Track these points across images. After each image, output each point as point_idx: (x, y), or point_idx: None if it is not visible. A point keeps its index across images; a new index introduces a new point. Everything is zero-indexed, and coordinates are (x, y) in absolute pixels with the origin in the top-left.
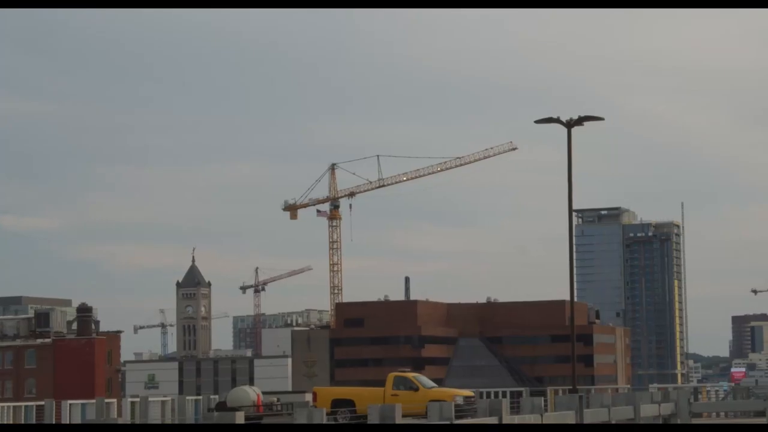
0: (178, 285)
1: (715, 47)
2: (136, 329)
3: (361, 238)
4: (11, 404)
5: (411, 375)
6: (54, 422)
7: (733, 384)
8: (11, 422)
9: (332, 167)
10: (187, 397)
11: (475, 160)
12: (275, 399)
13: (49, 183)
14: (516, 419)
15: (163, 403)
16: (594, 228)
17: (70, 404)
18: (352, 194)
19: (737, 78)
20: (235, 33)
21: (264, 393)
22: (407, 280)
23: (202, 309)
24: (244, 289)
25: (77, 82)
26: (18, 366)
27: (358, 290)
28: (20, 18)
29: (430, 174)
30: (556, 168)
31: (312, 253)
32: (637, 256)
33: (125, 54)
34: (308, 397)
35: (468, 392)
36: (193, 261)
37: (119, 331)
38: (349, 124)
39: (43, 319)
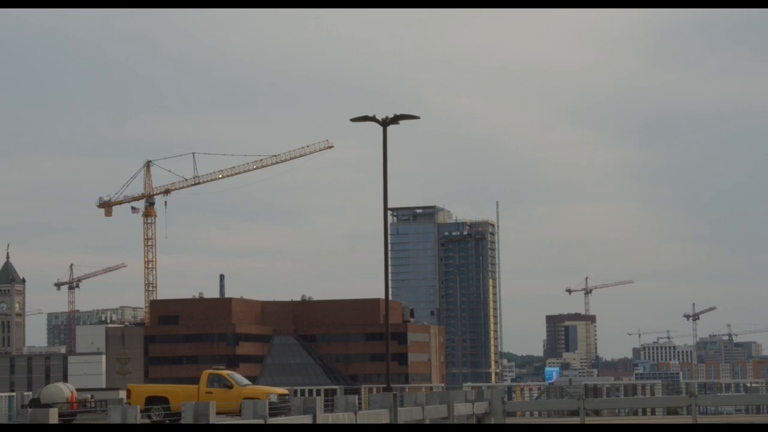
0: None
1: (528, 47)
2: None
3: (176, 235)
4: None
5: (225, 372)
6: None
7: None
8: None
9: (147, 164)
10: (1, 394)
11: (292, 158)
12: (89, 396)
13: None
14: (330, 417)
15: None
16: (409, 226)
17: None
18: (167, 191)
19: (550, 77)
20: (53, 29)
21: (78, 390)
22: (222, 277)
23: (16, 305)
24: (58, 285)
25: None
26: None
27: (173, 287)
28: None
29: (246, 171)
30: (372, 166)
31: (127, 250)
32: (452, 255)
33: None
34: (122, 394)
35: (282, 390)
36: (8, 257)
37: None
38: (164, 121)
39: None
